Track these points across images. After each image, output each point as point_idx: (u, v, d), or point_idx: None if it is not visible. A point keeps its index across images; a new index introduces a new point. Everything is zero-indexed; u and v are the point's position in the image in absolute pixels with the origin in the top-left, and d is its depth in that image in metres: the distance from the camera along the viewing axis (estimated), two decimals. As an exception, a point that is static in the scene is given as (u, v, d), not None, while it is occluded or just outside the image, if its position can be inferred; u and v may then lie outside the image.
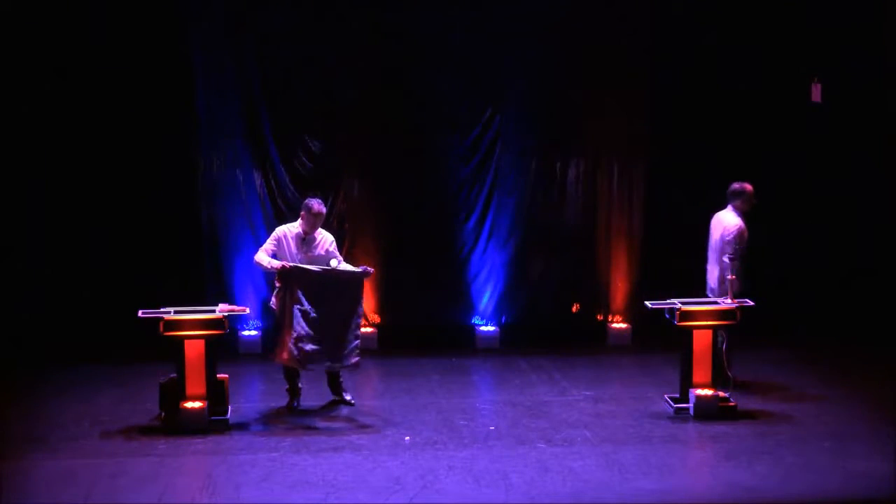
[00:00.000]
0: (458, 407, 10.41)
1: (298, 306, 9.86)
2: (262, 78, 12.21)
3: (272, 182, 12.39)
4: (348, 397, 10.49)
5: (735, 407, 10.10)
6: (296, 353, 9.86)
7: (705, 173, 12.81)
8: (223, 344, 10.58)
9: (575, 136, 12.71)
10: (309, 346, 9.87)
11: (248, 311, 10.54)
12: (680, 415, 10.13)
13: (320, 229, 10.24)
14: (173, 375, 9.84)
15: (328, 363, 10.04)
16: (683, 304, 10.25)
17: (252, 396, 10.87)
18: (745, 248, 10.48)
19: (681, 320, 10.16)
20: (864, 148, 12.95)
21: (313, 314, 9.86)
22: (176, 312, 9.87)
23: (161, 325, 9.73)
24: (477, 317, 12.79)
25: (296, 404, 10.34)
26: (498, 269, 12.73)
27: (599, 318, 12.99)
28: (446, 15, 12.38)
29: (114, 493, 8.38)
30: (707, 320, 10.19)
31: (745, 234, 10.52)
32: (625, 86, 12.61)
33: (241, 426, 9.84)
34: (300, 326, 9.85)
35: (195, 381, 9.77)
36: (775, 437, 9.54)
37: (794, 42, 12.68)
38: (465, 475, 8.71)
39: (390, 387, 10.99)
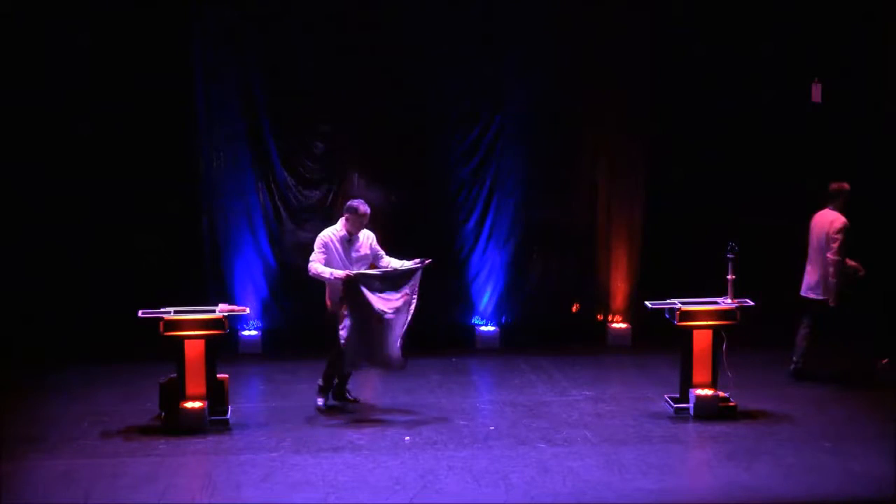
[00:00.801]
0: (458, 407, 10.41)
1: (365, 312, 9.86)
2: (262, 78, 12.22)
3: (272, 182, 12.39)
4: (351, 396, 10.51)
5: (735, 407, 10.10)
6: (358, 356, 9.98)
7: (705, 173, 12.84)
8: (223, 344, 10.58)
9: (575, 135, 12.71)
10: (373, 353, 9.97)
11: (248, 311, 10.54)
12: (680, 415, 10.13)
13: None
14: (173, 375, 9.84)
15: (387, 366, 10.14)
16: (683, 304, 10.25)
17: (252, 396, 10.88)
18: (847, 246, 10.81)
19: (681, 320, 10.17)
20: (864, 148, 12.96)
21: (387, 315, 9.90)
22: (176, 312, 9.87)
23: (161, 325, 9.74)
24: (477, 317, 12.80)
25: (322, 402, 10.37)
26: (498, 270, 12.74)
27: (599, 318, 13.00)
28: (447, 15, 12.39)
29: (114, 493, 8.37)
30: (707, 320, 10.19)
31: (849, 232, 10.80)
32: (625, 86, 12.62)
33: (241, 426, 9.84)
34: (361, 332, 9.88)
35: (195, 381, 9.77)
36: (775, 437, 9.54)
37: (794, 42, 12.68)
38: (465, 475, 8.71)
39: (390, 387, 10.99)
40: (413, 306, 10.02)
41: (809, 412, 10.22)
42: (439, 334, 12.53)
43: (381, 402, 10.70)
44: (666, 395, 10.50)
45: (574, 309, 13.02)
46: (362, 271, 10.01)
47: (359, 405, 10.44)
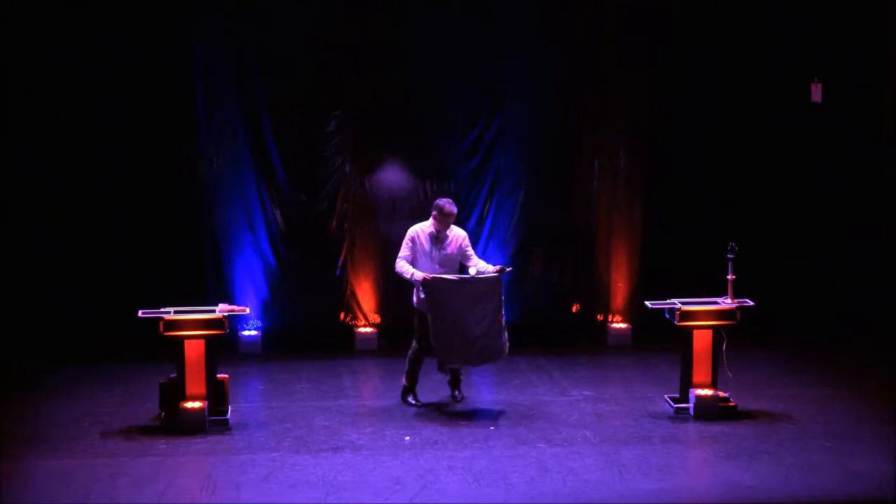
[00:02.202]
0: (458, 407, 10.41)
1: (444, 314, 9.92)
2: (262, 78, 12.22)
3: (272, 182, 12.39)
4: (458, 394, 10.57)
5: (735, 407, 10.10)
6: (448, 356, 10.06)
7: (705, 173, 12.84)
8: (223, 344, 10.58)
9: (575, 135, 12.71)
10: (467, 352, 9.99)
11: (248, 311, 10.53)
12: (680, 415, 10.13)
13: (452, 226, 10.29)
14: (173, 375, 9.84)
15: (476, 361, 10.18)
16: (683, 304, 10.25)
17: (252, 396, 10.88)
18: None
19: (681, 320, 10.17)
20: (864, 147, 12.96)
21: (463, 318, 9.91)
22: (176, 312, 9.87)
23: (161, 325, 9.73)
24: (477, 317, 12.78)
25: (412, 399, 10.45)
26: (498, 270, 12.73)
27: (599, 318, 13.00)
28: (447, 15, 12.39)
29: (114, 493, 8.37)
30: (707, 320, 10.19)
31: None
32: (625, 86, 12.62)
33: (241, 426, 9.84)
34: (448, 333, 9.92)
35: (195, 381, 9.76)
36: (775, 437, 9.53)
37: (794, 42, 12.68)
38: (465, 475, 8.71)
39: (390, 387, 10.98)
40: (500, 304, 10.03)
41: (809, 412, 10.21)
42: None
43: (381, 402, 10.70)
44: (666, 395, 10.50)
45: (574, 309, 13.02)
46: (441, 276, 10.00)
47: (357, 407, 10.43)
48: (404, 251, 10.21)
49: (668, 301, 10.37)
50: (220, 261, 12.35)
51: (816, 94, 11.87)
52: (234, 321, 12.05)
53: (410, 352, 10.40)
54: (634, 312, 12.69)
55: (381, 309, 12.64)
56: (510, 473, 8.72)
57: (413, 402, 10.42)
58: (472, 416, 10.21)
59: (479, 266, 10.20)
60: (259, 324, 12.48)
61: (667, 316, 10.36)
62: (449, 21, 12.40)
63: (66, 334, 12.11)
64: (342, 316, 12.69)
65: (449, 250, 10.25)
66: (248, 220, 12.38)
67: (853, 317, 12.89)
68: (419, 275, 10.01)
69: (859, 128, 12.92)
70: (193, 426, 9.61)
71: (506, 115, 12.61)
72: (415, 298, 10.25)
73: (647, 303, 10.53)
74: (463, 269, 10.35)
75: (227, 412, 9.96)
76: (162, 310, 9.90)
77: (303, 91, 12.31)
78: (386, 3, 12.33)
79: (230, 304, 10.86)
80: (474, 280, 10.01)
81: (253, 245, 12.41)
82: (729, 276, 10.22)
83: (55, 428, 9.74)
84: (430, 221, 10.26)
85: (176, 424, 9.66)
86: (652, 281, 12.48)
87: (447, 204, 10.20)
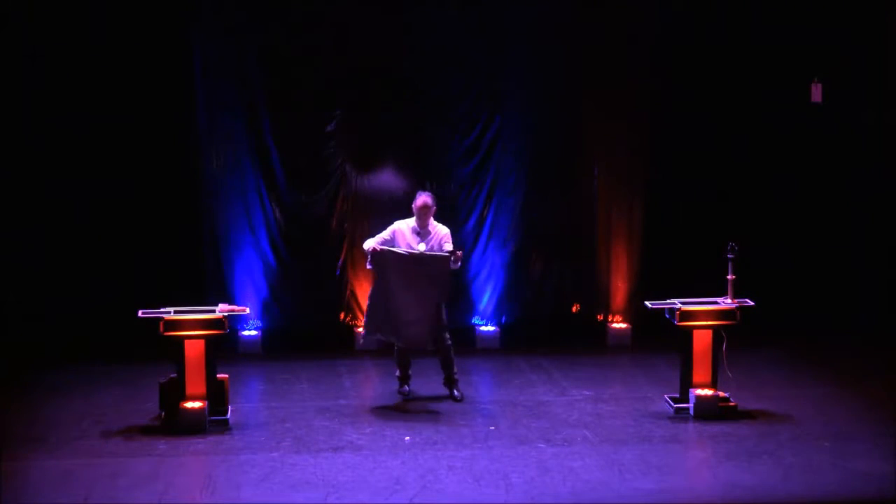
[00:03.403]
0: (458, 407, 10.41)
1: (385, 286, 10.09)
2: (262, 78, 12.22)
3: (272, 182, 12.39)
4: (456, 394, 10.59)
5: (735, 407, 10.10)
6: (386, 334, 10.23)
7: (705, 173, 12.84)
8: (223, 344, 10.58)
9: (575, 135, 12.71)
10: (397, 329, 10.15)
11: (248, 311, 10.54)
12: (680, 415, 10.13)
13: (436, 223, 10.41)
14: (173, 375, 9.84)
15: (402, 341, 10.28)
16: (683, 304, 10.25)
17: (252, 396, 10.88)
18: None
19: (681, 320, 10.17)
20: (864, 147, 12.96)
21: (402, 297, 10.06)
22: (176, 312, 9.87)
23: (161, 325, 9.73)
24: (477, 317, 12.80)
25: (406, 389, 10.65)
26: (498, 270, 12.74)
27: (599, 318, 12.99)
28: (447, 15, 12.39)
29: (114, 493, 8.37)
30: (707, 320, 10.19)
31: None
32: (625, 86, 12.62)
33: (241, 426, 9.84)
34: (389, 310, 10.10)
35: (195, 381, 9.76)
36: (775, 437, 9.53)
37: (794, 42, 12.68)
38: (465, 475, 8.71)
39: (390, 387, 10.98)
40: (443, 291, 10.13)
41: (809, 412, 10.21)
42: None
43: (380, 402, 10.70)
44: (666, 395, 10.50)
45: (574, 309, 13.02)
46: (391, 248, 10.15)
47: (358, 407, 10.45)
48: (380, 235, 10.33)
49: (668, 301, 10.36)
50: (220, 261, 12.34)
51: (816, 94, 11.87)
52: (234, 321, 12.04)
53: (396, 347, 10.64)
54: (634, 312, 12.69)
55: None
56: (510, 473, 8.73)
57: (406, 391, 10.65)
58: (472, 416, 10.21)
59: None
60: (259, 324, 12.48)
61: (667, 316, 10.36)
62: (449, 21, 12.39)
63: (66, 334, 12.10)
64: (342, 316, 12.69)
65: (430, 245, 10.31)
66: (248, 220, 12.38)
67: (853, 317, 12.88)
68: (370, 243, 10.16)
69: (860, 127, 12.91)
70: (193, 426, 9.60)
71: (506, 115, 12.60)
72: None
73: (647, 303, 10.53)
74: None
75: (227, 412, 9.96)
76: (162, 310, 9.90)
77: (303, 91, 12.31)
78: (386, 3, 12.32)
79: (230, 304, 10.86)
80: (423, 259, 10.10)
81: (253, 245, 12.41)
82: (729, 276, 10.22)
83: (55, 428, 9.74)
84: (415, 217, 10.39)
85: (176, 424, 9.65)
86: (652, 281, 12.48)
87: (419, 196, 10.37)
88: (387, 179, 12.56)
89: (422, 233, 10.33)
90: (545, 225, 12.80)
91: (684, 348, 10.24)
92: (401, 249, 10.17)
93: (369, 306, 10.22)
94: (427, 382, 11.06)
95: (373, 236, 10.37)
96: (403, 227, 10.37)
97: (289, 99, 12.31)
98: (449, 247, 10.31)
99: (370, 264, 10.20)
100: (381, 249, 10.11)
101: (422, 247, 10.26)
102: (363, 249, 10.31)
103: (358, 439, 9.51)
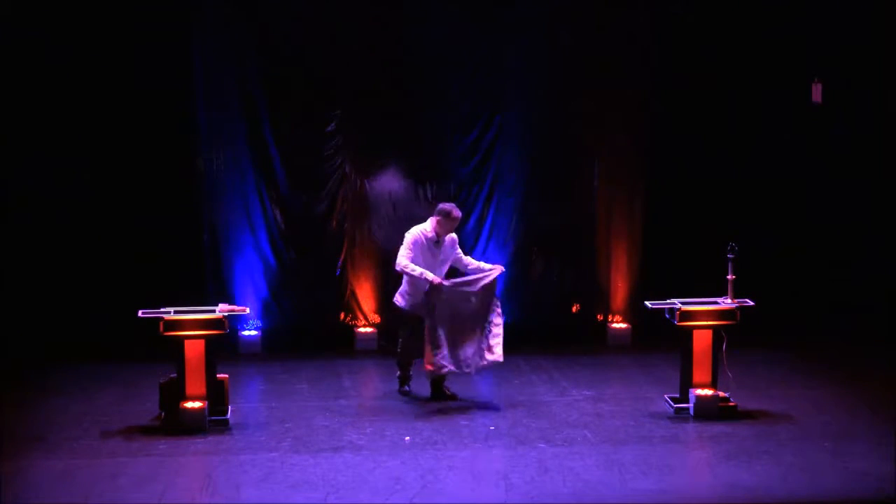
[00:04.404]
0: (458, 407, 10.41)
1: (441, 321, 10.12)
2: (262, 78, 12.22)
3: (272, 182, 12.39)
4: (447, 391, 10.62)
5: (735, 407, 10.10)
6: (443, 364, 10.18)
7: (705, 173, 12.84)
8: (223, 344, 10.58)
9: (575, 135, 12.71)
10: (454, 355, 10.21)
11: (248, 311, 10.54)
12: (680, 415, 10.13)
13: None
14: (173, 375, 9.84)
15: (471, 367, 10.32)
16: (683, 304, 10.25)
17: (252, 396, 10.88)
18: None
19: (681, 320, 10.16)
20: (864, 147, 12.96)
21: (454, 325, 10.17)
22: (176, 312, 9.87)
23: (161, 325, 9.73)
24: (477, 317, 12.79)
25: (407, 388, 10.71)
26: (497, 270, 12.73)
27: (599, 318, 12.99)
28: (447, 15, 12.39)
29: (114, 493, 8.37)
30: (707, 320, 10.19)
31: None
32: (625, 85, 12.62)
33: (241, 426, 9.84)
34: (444, 339, 10.15)
35: (195, 381, 9.76)
36: (775, 437, 9.53)
37: (794, 42, 12.68)
38: (465, 475, 8.71)
39: (390, 387, 10.98)
40: (496, 315, 10.29)
41: (809, 412, 10.21)
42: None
43: (380, 402, 10.70)
44: (666, 395, 10.50)
45: (574, 309, 13.02)
46: (453, 281, 10.22)
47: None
48: (407, 251, 10.26)
49: (668, 301, 10.37)
50: (220, 261, 12.34)
51: (816, 94, 11.86)
52: (234, 321, 12.04)
53: (400, 348, 10.63)
54: (634, 312, 12.69)
55: (381, 309, 12.63)
56: (510, 473, 8.72)
57: (404, 391, 10.69)
58: (472, 416, 10.21)
59: (473, 264, 10.48)
60: (259, 324, 12.48)
61: (667, 316, 10.36)
62: (449, 21, 12.39)
63: (66, 334, 12.10)
64: (342, 316, 12.69)
65: (446, 253, 10.39)
66: (248, 220, 12.38)
67: (853, 316, 12.88)
68: (430, 275, 10.10)
69: (860, 127, 12.91)
70: (193, 426, 9.60)
71: (506, 115, 12.60)
72: (400, 297, 10.44)
73: (647, 303, 10.53)
74: (454, 271, 10.49)
75: (227, 412, 9.96)
76: (162, 310, 9.90)
77: (303, 91, 12.31)
78: (386, 2, 12.32)
79: (230, 304, 10.86)
80: (476, 292, 10.20)
81: (253, 245, 12.41)
82: (729, 276, 10.22)
83: (55, 428, 9.74)
84: (431, 225, 10.33)
85: (176, 424, 9.65)
86: (652, 281, 12.48)
87: (454, 209, 10.33)
88: (387, 179, 12.56)
89: (438, 241, 10.34)
90: (545, 225, 12.79)
91: (684, 348, 10.24)
92: (462, 285, 10.21)
93: (432, 339, 10.12)
94: (426, 383, 11.05)
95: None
96: (421, 238, 10.31)
97: (289, 99, 12.31)
98: (459, 251, 10.46)
99: (428, 294, 10.11)
100: (441, 283, 10.09)
101: (439, 256, 10.33)
102: (414, 275, 10.14)
103: (358, 439, 9.51)
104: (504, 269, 10.57)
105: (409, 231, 10.39)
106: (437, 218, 10.30)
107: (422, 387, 10.68)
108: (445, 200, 12.56)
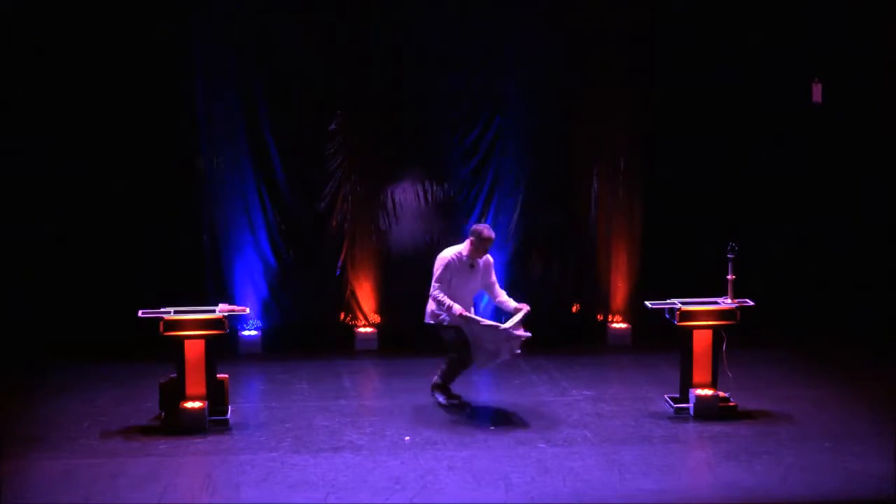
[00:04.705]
0: (458, 407, 10.39)
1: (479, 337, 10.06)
2: (262, 78, 12.22)
3: (272, 182, 12.39)
4: (454, 393, 10.42)
5: (735, 407, 10.10)
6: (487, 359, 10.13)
7: (705, 173, 12.83)
8: (223, 344, 10.58)
9: (575, 135, 12.71)
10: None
11: (248, 311, 10.54)
12: (680, 415, 10.13)
13: None
14: (173, 375, 9.83)
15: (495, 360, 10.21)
16: (683, 304, 10.25)
17: (252, 396, 10.88)
18: None
19: (681, 320, 10.16)
20: (864, 147, 12.96)
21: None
22: (176, 312, 9.87)
23: (161, 325, 9.73)
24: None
25: (455, 401, 10.35)
26: (498, 270, 12.67)
27: (599, 318, 12.99)
28: (447, 15, 12.39)
29: (114, 493, 8.37)
30: (707, 320, 10.19)
31: None
32: (625, 85, 12.62)
33: (241, 426, 9.84)
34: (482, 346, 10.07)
35: (195, 381, 9.76)
36: (775, 437, 9.53)
37: (794, 42, 12.68)
38: (465, 475, 8.71)
39: (390, 387, 10.99)
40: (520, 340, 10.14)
41: (809, 412, 10.21)
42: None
43: (381, 402, 10.70)
44: (666, 395, 10.50)
45: (574, 309, 13.02)
46: (477, 320, 10.04)
47: (355, 407, 10.45)
48: (441, 277, 10.06)
49: (668, 301, 10.36)
50: (220, 261, 12.34)
51: (817, 94, 11.86)
52: (234, 321, 12.04)
53: (449, 359, 10.29)
54: (634, 312, 12.69)
55: (381, 309, 12.64)
56: (510, 473, 8.72)
57: (443, 400, 10.31)
58: (472, 416, 10.21)
59: (502, 297, 10.33)
60: (259, 324, 12.48)
61: (667, 316, 10.36)
62: (449, 21, 12.40)
63: (66, 334, 12.09)
64: (342, 316, 12.69)
65: (479, 277, 10.23)
66: (248, 220, 12.38)
67: (853, 316, 12.88)
68: (458, 308, 9.94)
69: (861, 127, 12.91)
70: (193, 426, 9.60)
71: (506, 115, 12.60)
72: (434, 317, 10.22)
73: (647, 303, 10.53)
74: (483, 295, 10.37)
75: (227, 412, 9.96)
76: (162, 310, 9.89)
77: (303, 91, 12.31)
78: (386, 2, 12.32)
79: (230, 304, 10.85)
80: (506, 331, 10.03)
81: (253, 245, 12.41)
82: (729, 276, 10.22)
83: (55, 428, 9.73)
84: (466, 246, 10.14)
85: (176, 424, 9.65)
86: (652, 281, 12.47)
87: (486, 229, 10.10)
88: (387, 179, 12.55)
89: (472, 264, 10.14)
90: (545, 225, 12.79)
91: (684, 348, 10.24)
92: (487, 322, 10.09)
93: (472, 345, 10.04)
94: (426, 383, 11.06)
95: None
96: (455, 261, 10.09)
97: (289, 98, 12.31)
98: (493, 278, 10.33)
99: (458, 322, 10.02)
100: (468, 319, 9.97)
101: (473, 277, 10.16)
102: (444, 307, 9.99)
103: (358, 439, 9.51)
104: (529, 308, 10.25)
105: (442, 253, 10.20)
106: (471, 239, 10.11)
107: (422, 387, 10.67)
108: (445, 200, 12.64)
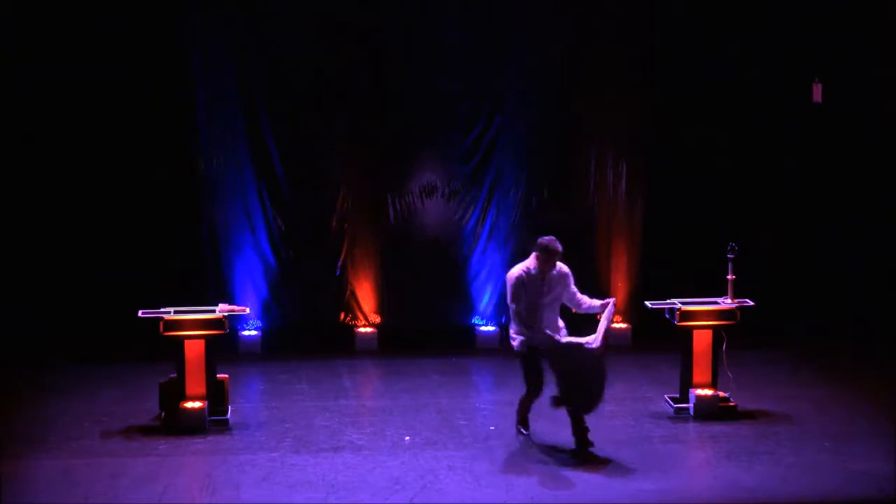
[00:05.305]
0: (458, 407, 10.41)
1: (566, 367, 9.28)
2: (262, 78, 12.22)
3: (272, 182, 12.38)
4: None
5: (735, 407, 10.10)
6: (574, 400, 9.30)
7: (705, 173, 12.83)
8: (223, 344, 10.58)
9: (575, 135, 12.71)
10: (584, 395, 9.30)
11: (248, 311, 10.55)
12: (680, 415, 10.13)
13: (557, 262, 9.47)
14: (173, 375, 9.84)
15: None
16: (683, 304, 10.25)
17: (252, 396, 10.88)
18: None
19: (681, 320, 10.17)
20: (865, 147, 12.96)
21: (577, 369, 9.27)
22: (176, 312, 9.87)
23: (161, 325, 9.74)
24: (477, 317, 12.79)
25: (525, 431, 9.65)
26: (498, 270, 12.71)
27: (599, 317, 12.95)
28: (447, 15, 12.39)
29: (114, 493, 8.38)
30: (707, 320, 10.19)
31: None
32: (625, 85, 12.61)
33: (241, 426, 9.84)
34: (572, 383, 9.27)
35: (195, 381, 9.77)
36: (775, 437, 9.54)
37: (794, 42, 12.67)
38: (465, 475, 8.71)
39: (390, 387, 10.99)
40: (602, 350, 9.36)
41: (809, 412, 10.21)
42: (439, 334, 12.52)
43: (381, 402, 10.70)
44: (666, 395, 10.50)
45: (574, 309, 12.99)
46: (553, 340, 9.27)
47: (355, 407, 10.47)
48: (515, 299, 9.35)
49: (668, 301, 10.37)
50: (220, 261, 12.34)
51: (817, 94, 11.85)
52: (234, 321, 12.03)
53: (527, 389, 9.58)
54: (634, 312, 12.68)
55: (381, 309, 12.64)
56: (510, 473, 8.72)
57: (524, 431, 9.69)
58: (472, 416, 10.21)
59: (583, 302, 9.61)
60: (259, 324, 12.48)
61: (667, 316, 10.36)
62: (449, 21, 12.39)
63: (66, 334, 12.09)
64: (342, 316, 12.68)
65: (554, 291, 9.47)
66: (248, 220, 12.37)
67: (854, 317, 12.87)
68: (526, 336, 9.32)
69: (861, 127, 12.91)
70: (193, 426, 9.61)
71: (506, 115, 12.60)
72: (516, 341, 9.47)
73: (647, 303, 10.54)
74: (565, 308, 9.69)
75: (227, 412, 9.96)
76: (162, 310, 9.90)
77: (303, 91, 12.30)
78: (386, 2, 12.32)
79: (230, 304, 10.86)
80: (597, 349, 9.28)
81: (253, 245, 12.40)
82: (729, 276, 10.22)
83: (55, 428, 9.74)
84: (532, 260, 9.40)
85: (176, 424, 9.66)
86: (652, 281, 12.47)
87: (552, 242, 9.34)
88: (386, 179, 12.55)
89: (544, 279, 9.38)
90: (545, 224, 12.76)
91: (684, 348, 10.24)
92: (564, 341, 9.35)
93: (564, 388, 9.18)
94: (426, 383, 11.09)
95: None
96: (523, 276, 9.33)
97: (289, 99, 12.30)
98: (572, 287, 9.60)
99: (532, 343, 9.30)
100: (557, 344, 9.22)
101: (549, 293, 9.40)
102: (522, 331, 9.33)
103: (358, 439, 9.52)
104: (614, 300, 9.66)
105: (511, 271, 9.47)
106: (535, 253, 9.43)
107: (422, 387, 10.66)
108: (445, 199, 12.63)
